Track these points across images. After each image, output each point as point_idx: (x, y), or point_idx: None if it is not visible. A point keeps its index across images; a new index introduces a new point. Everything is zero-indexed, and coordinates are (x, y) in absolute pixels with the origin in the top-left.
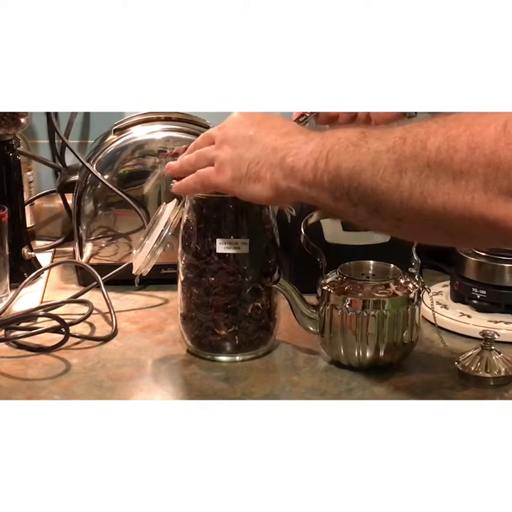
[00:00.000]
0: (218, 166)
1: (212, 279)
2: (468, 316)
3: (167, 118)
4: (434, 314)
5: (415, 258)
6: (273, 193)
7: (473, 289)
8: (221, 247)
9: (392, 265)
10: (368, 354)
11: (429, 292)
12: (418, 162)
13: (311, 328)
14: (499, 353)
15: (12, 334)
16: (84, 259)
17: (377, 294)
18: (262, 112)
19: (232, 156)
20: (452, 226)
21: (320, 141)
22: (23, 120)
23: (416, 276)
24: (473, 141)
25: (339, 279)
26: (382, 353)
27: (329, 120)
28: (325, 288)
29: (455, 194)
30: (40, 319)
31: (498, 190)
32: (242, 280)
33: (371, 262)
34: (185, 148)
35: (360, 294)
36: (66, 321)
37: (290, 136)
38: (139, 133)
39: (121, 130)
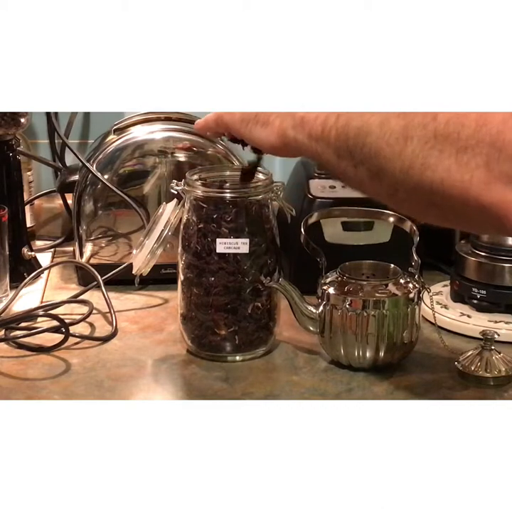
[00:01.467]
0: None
1: (212, 279)
2: (468, 316)
3: (167, 118)
4: (434, 314)
5: (415, 258)
6: (279, 141)
7: (473, 289)
8: (221, 247)
9: (392, 265)
10: (368, 354)
11: (429, 292)
12: (425, 131)
13: (311, 328)
14: (499, 353)
15: (12, 334)
16: (84, 259)
17: (377, 294)
18: None
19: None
20: (447, 205)
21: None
22: (23, 120)
23: (416, 276)
24: (482, 118)
25: (339, 279)
26: (382, 353)
27: None
28: (325, 288)
29: (455, 170)
30: (40, 319)
31: (499, 172)
32: (242, 280)
33: (371, 261)
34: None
35: (360, 294)
36: (66, 321)
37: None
38: (139, 133)
39: (121, 130)
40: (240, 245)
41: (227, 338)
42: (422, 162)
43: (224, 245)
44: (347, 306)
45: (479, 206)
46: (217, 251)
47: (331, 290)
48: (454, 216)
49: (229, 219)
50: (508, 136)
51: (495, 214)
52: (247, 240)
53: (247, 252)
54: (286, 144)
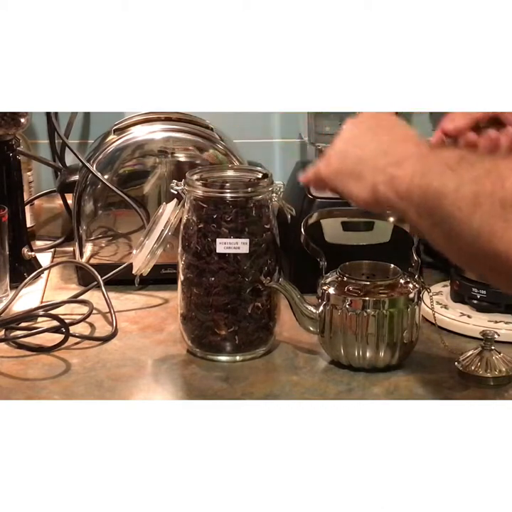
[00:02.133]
0: (327, 157)
1: (213, 279)
2: (468, 316)
3: (167, 118)
4: (434, 314)
5: (415, 258)
6: (371, 197)
7: (473, 289)
8: (221, 247)
9: (392, 265)
10: (368, 354)
11: (429, 292)
12: (493, 199)
13: (311, 328)
14: (499, 353)
15: (12, 334)
16: (84, 259)
17: (377, 294)
18: (379, 117)
19: (341, 149)
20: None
21: (425, 158)
22: (23, 120)
23: (416, 276)
24: None
25: (339, 279)
26: (382, 353)
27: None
28: (325, 288)
29: None
30: (40, 319)
31: None
32: (242, 280)
33: (371, 262)
34: None
35: (360, 294)
36: (66, 321)
37: (404, 143)
38: (139, 133)
39: (121, 130)
40: (240, 245)
41: (227, 338)
42: (489, 231)
43: (224, 245)
44: (347, 306)
45: None
46: (218, 251)
47: (331, 290)
48: None
49: (229, 219)
50: None
51: None
52: (247, 240)
53: (247, 252)
54: (377, 200)
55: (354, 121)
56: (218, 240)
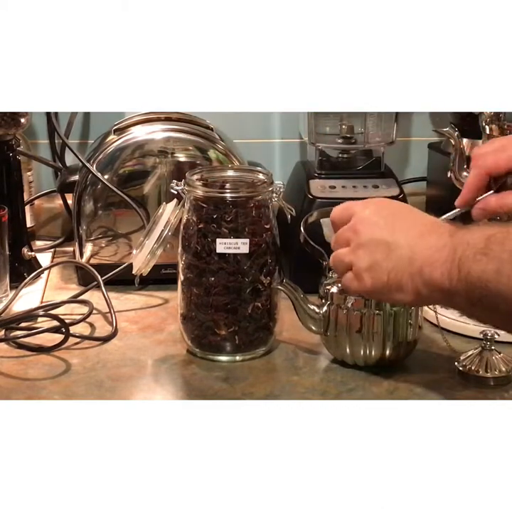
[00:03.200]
0: (357, 274)
1: (213, 279)
2: None
3: (167, 118)
4: (436, 315)
5: None
6: (415, 299)
7: None
8: (221, 247)
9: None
10: (373, 352)
11: None
12: None
13: (314, 328)
14: (499, 353)
15: (12, 334)
16: (84, 259)
17: None
18: (393, 205)
19: (370, 264)
20: None
21: (452, 248)
22: (23, 120)
23: None
24: None
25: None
26: (388, 351)
27: (484, 215)
28: (328, 288)
29: None
30: (40, 319)
31: None
32: (242, 280)
33: None
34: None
35: None
36: (66, 321)
37: (424, 239)
38: (139, 133)
39: (121, 130)
40: (240, 245)
41: (227, 338)
42: None
43: (224, 245)
44: (351, 305)
45: None
46: (217, 251)
47: (334, 289)
48: None
49: (229, 219)
50: None
51: None
52: (247, 240)
53: (247, 252)
54: (422, 300)
55: (365, 226)
56: (218, 240)
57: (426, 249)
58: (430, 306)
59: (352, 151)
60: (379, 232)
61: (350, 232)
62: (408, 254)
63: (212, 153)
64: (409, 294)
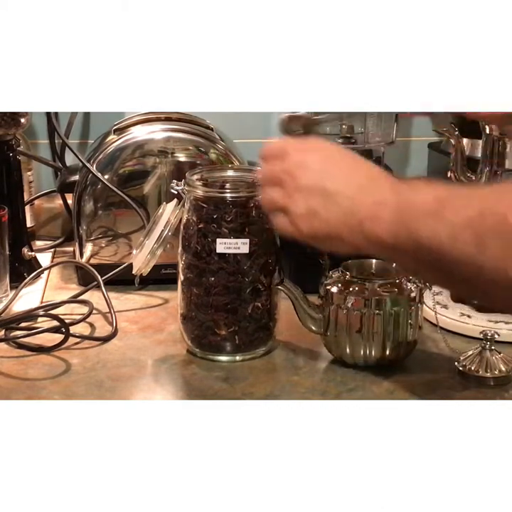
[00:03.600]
0: (292, 220)
1: (212, 279)
2: (469, 316)
3: (167, 118)
4: (436, 315)
5: None
6: (354, 251)
7: None
8: (221, 247)
9: (393, 264)
10: (373, 352)
11: (430, 290)
12: (502, 236)
13: (314, 328)
14: (499, 353)
15: (12, 334)
16: (84, 259)
17: (381, 293)
18: (333, 150)
19: (307, 212)
20: None
21: (397, 206)
22: (23, 120)
23: None
24: None
25: (342, 278)
26: (388, 351)
27: None
28: (328, 287)
29: None
30: (40, 319)
31: None
32: (242, 280)
33: (373, 260)
34: None
35: (364, 293)
36: (66, 321)
37: (366, 191)
38: (139, 133)
39: (121, 130)
40: (240, 245)
41: (227, 338)
42: (505, 267)
43: (224, 245)
44: (351, 305)
45: None
46: (217, 251)
47: (334, 289)
48: None
49: (229, 219)
50: None
51: None
52: (247, 240)
53: (247, 252)
54: (364, 252)
55: (300, 170)
56: (218, 240)
57: (368, 202)
58: (430, 306)
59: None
60: (317, 178)
61: (285, 175)
62: (348, 205)
63: (212, 153)
64: (348, 246)
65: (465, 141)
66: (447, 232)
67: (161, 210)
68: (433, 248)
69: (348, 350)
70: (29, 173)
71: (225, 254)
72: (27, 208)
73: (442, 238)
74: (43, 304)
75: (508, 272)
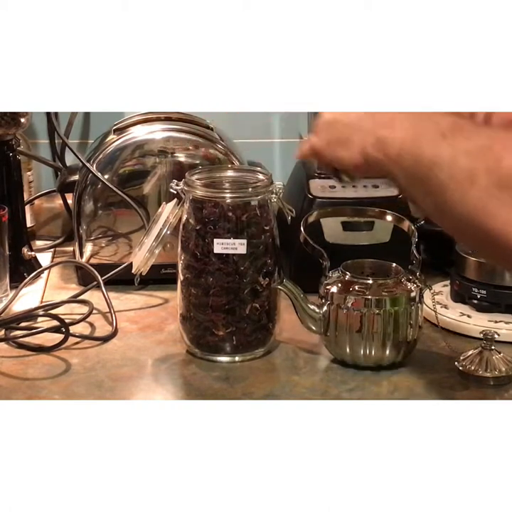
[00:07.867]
0: (315, 129)
1: (211, 279)
2: (469, 316)
3: (167, 118)
4: (436, 315)
5: (416, 256)
6: (361, 160)
7: (474, 289)
8: (219, 247)
9: (393, 264)
10: (373, 352)
11: (430, 290)
12: (489, 178)
13: (314, 328)
14: (499, 353)
15: (12, 334)
16: (84, 259)
17: (381, 293)
18: None
19: (328, 119)
20: (505, 253)
21: (416, 120)
22: (23, 120)
23: (417, 274)
24: None
25: (341, 278)
26: (388, 351)
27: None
28: (328, 288)
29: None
30: (40, 319)
31: None
32: (240, 281)
33: (373, 260)
34: None
35: (365, 293)
36: (66, 320)
37: (388, 114)
38: (139, 133)
39: (121, 130)
40: (238, 246)
41: (225, 339)
42: (483, 208)
43: (221, 246)
44: (351, 305)
45: None
46: (215, 251)
47: (334, 289)
48: (508, 263)
49: (228, 220)
50: None
51: None
52: (244, 241)
53: (245, 252)
54: (368, 163)
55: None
56: (216, 241)
57: (388, 114)
58: (430, 306)
59: None
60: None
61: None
62: (367, 116)
63: (212, 154)
64: (356, 152)
65: None
66: (448, 156)
67: (161, 210)
68: (430, 168)
69: (348, 350)
70: (29, 173)
71: (223, 254)
72: (27, 207)
73: (442, 160)
74: (43, 304)
75: (486, 218)
